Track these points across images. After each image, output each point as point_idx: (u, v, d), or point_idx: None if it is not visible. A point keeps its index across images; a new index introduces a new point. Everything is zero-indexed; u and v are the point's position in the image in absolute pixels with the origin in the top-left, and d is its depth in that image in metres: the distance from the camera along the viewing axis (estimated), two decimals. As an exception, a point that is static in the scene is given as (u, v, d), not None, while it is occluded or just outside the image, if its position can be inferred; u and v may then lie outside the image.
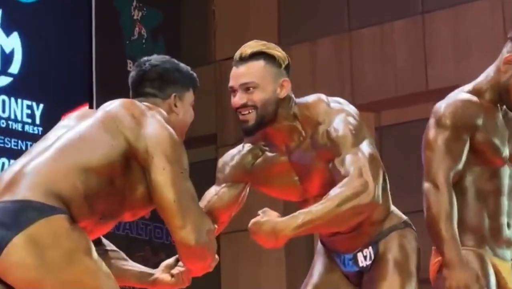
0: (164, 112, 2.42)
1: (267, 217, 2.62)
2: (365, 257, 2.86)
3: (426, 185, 3.07)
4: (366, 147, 2.79)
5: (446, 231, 3.03)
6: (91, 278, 2.13)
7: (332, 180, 2.80)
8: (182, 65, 2.61)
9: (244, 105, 2.75)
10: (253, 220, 2.62)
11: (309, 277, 3.03)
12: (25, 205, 2.07)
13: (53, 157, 2.21)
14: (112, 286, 2.19)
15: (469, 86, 3.18)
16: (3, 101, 6.84)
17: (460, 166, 3.04)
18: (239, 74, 2.80)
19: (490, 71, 3.15)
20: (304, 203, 2.90)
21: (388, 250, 2.87)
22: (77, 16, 7.33)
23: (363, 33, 7.69)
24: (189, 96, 2.57)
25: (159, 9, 7.84)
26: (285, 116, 2.82)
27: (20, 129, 6.96)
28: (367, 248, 2.85)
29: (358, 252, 2.87)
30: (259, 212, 2.65)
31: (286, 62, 2.82)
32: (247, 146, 3.02)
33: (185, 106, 2.53)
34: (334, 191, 2.63)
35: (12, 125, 6.92)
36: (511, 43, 3.07)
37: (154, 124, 2.33)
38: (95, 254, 2.18)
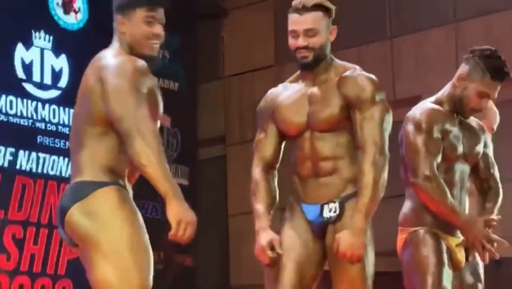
0: (116, 43, 2.33)
1: (342, 237, 2.58)
2: (330, 210, 2.75)
3: (417, 181, 3.09)
4: (382, 129, 2.70)
5: (452, 208, 3.08)
6: (129, 235, 2.16)
7: (338, 121, 2.78)
8: None
9: (306, 47, 2.74)
10: (340, 247, 2.58)
11: (282, 230, 2.82)
12: (81, 183, 2.22)
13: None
14: (146, 244, 2.19)
15: (432, 98, 3.22)
16: (54, 110, 6.93)
17: (439, 159, 3.06)
18: (303, 21, 2.78)
19: (447, 86, 3.18)
20: (298, 138, 2.81)
21: (351, 210, 2.75)
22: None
23: (345, 54, 7.71)
24: (139, 14, 2.35)
25: (178, 35, 7.87)
26: (326, 56, 2.82)
27: (67, 132, 6.79)
28: (334, 202, 2.74)
29: (324, 204, 2.74)
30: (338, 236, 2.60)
31: (334, 13, 2.82)
32: (290, 85, 2.96)
33: (133, 25, 2.33)
34: (365, 178, 2.61)
35: (61, 129, 6.96)
36: (465, 64, 3.14)
37: (107, 78, 2.19)
38: (135, 214, 2.22)
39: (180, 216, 2.16)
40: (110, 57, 2.30)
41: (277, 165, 2.91)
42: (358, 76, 2.74)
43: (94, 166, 2.28)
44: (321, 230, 2.73)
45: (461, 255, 3.17)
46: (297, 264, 2.73)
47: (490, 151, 3.33)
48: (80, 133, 2.29)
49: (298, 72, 2.90)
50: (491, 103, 3.62)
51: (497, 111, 3.97)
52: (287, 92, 2.90)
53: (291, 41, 2.77)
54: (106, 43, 2.56)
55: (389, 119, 2.72)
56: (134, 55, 2.34)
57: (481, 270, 3.28)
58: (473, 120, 3.30)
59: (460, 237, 3.16)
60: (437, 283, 3.04)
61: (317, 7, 2.72)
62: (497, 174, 3.30)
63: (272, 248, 2.71)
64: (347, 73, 2.77)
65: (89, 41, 6.96)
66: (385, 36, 7.75)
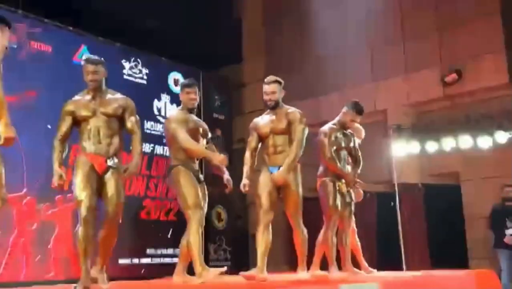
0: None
1: (275, 174, 4.21)
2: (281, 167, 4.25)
3: (326, 159, 4.86)
4: (302, 133, 4.33)
5: (341, 169, 4.87)
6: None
7: (285, 132, 4.38)
8: None
9: (271, 99, 4.40)
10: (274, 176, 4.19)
11: (261, 180, 4.35)
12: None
13: None
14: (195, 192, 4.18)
15: (333, 121, 5.08)
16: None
17: (333, 149, 4.88)
18: (269, 87, 4.42)
19: (340, 115, 5.06)
20: (268, 136, 4.42)
21: (294, 175, 4.34)
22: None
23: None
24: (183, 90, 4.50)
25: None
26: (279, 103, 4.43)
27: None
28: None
29: (280, 166, 4.28)
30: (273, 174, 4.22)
31: (283, 84, 4.49)
32: (265, 114, 4.54)
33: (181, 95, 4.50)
34: (291, 152, 4.25)
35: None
36: (347, 106, 5.01)
37: None
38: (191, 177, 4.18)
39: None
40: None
41: (257, 152, 4.54)
42: (295, 111, 4.43)
43: None
44: None
45: (344, 189, 4.94)
46: (269, 192, 4.28)
47: (356, 144, 5.17)
48: None
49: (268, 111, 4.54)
50: (358, 125, 5.36)
51: (362, 128, 5.57)
52: (264, 118, 4.53)
53: (266, 97, 4.46)
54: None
55: (305, 131, 4.37)
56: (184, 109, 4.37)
57: (352, 195, 5.06)
58: (348, 131, 5.12)
59: (343, 181, 4.93)
60: (333, 203, 4.78)
61: (275, 81, 4.46)
62: (360, 155, 5.15)
63: (245, 186, 4.32)
64: (289, 110, 4.45)
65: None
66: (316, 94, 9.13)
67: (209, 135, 4.68)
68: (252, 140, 4.50)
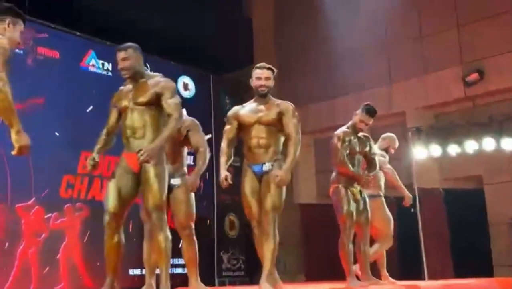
0: None
1: (278, 173, 3.86)
2: (266, 166, 4.01)
3: (338, 162, 4.83)
4: (297, 128, 4.03)
5: (353, 172, 4.81)
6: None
7: (274, 124, 4.06)
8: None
9: (265, 85, 4.09)
10: (276, 177, 3.83)
11: (246, 182, 4.08)
12: None
13: None
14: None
15: (347, 125, 5.05)
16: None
17: (347, 152, 4.85)
18: (263, 73, 4.14)
19: (353, 118, 5.02)
20: (254, 125, 4.08)
21: (277, 166, 3.97)
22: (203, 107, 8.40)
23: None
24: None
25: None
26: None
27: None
28: (268, 162, 4.01)
29: (263, 163, 4.02)
30: (274, 172, 3.86)
31: (276, 71, 4.21)
32: (247, 104, 4.22)
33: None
34: (290, 148, 3.97)
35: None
36: (360, 108, 5.00)
37: None
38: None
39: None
40: None
41: (235, 143, 4.22)
42: (287, 103, 4.12)
43: None
44: (259, 177, 4.01)
45: (358, 195, 4.89)
46: (251, 190, 4.02)
47: (372, 150, 5.07)
48: None
49: (255, 98, 4.17)
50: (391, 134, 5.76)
51: (395, 138, 5.80)
52: (247, 107, 4.17)
53: (258, 82, 4.10)
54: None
55: (299, 126, 4.06)
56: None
57: (367, 201, 4.97)
58: (363, 135, 5.03)
59: (357, 187, 4.89)
60: (347, 210, 4.77)
61: (269, 68, 4.18)
62: (376, 160, 5.10)
63: (226, 179, 3.95)
64: (279, 101, 4.13)
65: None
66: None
67: None
68: (231, 131, 4.18)
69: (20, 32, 3.09)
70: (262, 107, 4.12)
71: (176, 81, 8.46)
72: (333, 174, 4.99)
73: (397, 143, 5.84)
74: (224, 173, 4.01)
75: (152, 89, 3.65)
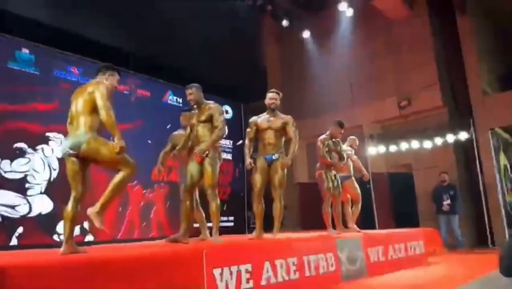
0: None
1: (284, 160, 3.76)
2: (275, 156, 3.88)
3: (321, 157, 4.68)
4: (296, 133, 3.92)
5: (331, 162, 4.64)
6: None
7: (280, 130, 3.89)
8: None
9: (274, 103, 3.94)
10: (283, 162, 3.71)
11: (258, 168, 3.87)
12: None
13: None
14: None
15: (326, 133, 4.87)
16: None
17: (326, 150, 4.69)
18: (274, 95, 3.98)
19: (329, 129, 4.88)
20: (266, 131, 3.92)
21: (281, 156, 3.89)
22: (237, 125, 7.96)
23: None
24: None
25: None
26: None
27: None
28: (276, 153, 3.90)
29: (273, 154, 3.89)
30: (282, 160, 3.72)
31: (281, 95, 4.00)
32: (262, 115, 4.00)
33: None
34: (292, 146, 3.80)
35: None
36: (333, 123, 4.85)
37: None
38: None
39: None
40: None
41: (254, 141, 3.99)
42: (289, 117, 3.96)
43: None
44: (269, 163, 3.85)
45: (333, 176, 4.73)
46: (261, 170, 3.84)
47: (341, 148, 4.94)
48: None
49: (267, 111, 3.97)
50: (354, 137, 5.58)
51: (356, 139, 5.67)
52: (262, 117, 4.00)
53: (269, 101, 3.93)
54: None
55: (297, 131, 3.92)
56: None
57: (339, 181, 4.83)
58: (336, 140, 4.91)
59: (333, 172, 4.73)
60: (326, 186, 4.65)
61: (276, 92, 4.03)
62: (345, 154, 4.88)
63: (250, 164, 3.80)
64: (283, 115, 3.95)
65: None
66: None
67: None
68: (251, 132, 3.95)
69: (117, 80, 3.05)
70: (272, 118, 3.96)
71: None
72: (318, 164, 4.89)
73: (357, 142, 5.73)
74: (248, 160, 3.85)
75: (207, 112, 3.60)
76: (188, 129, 3.77)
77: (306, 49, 9.52)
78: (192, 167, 3.56)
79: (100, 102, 2.74)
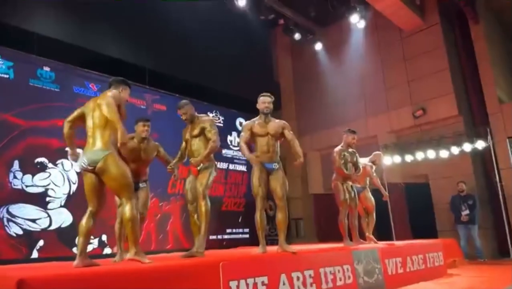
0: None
1: (299, 160, 3.51)
2: (275, 165, 3.68)
3: (336, 168, 4.65)
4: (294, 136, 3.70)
5: (348, 173, 4.61)
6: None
7: (279, 137, 3.70)
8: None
9: (268, 107, 3.73)
10: (298, 162, 3.45)
11: (258, 176, 3.60)
12: None
13: None
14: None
15: (341, 144, 4.83)
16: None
17: (342, 161, 4.65)
18: (267, 99, 3.77)
19: (343, 140, 4.86)
20: (264, 136, 3.69)
21: (280, 169, 3.69)
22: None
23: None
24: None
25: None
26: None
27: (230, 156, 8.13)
28: (275, 163, 3.69)
29: (273, 163, 3.68)
30: (297, 162, 3.45)
31: (273, 99, 3.77)
32: (256, 119, 3.77)
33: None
34: (295, 146, 3.59)
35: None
36: (345, 132, 4.80)
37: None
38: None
39: None
40: None
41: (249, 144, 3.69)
42: (284, 121, 3.77)
43: None
44: (269, 171, 3.65)
45: (349, 187, 4.73)
46: (262, 181, 3.59)
47: (358, 159, 4.84)
48: None
49: (259, 116, 3.73)
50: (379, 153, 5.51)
51: (381, 154, 5.68)
52: (256, 123, 3.75)
53: (263, 105, 3.72)
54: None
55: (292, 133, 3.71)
56: None
57: (356, 192, 4.77)
58: (351, 150, 4.83)
59: (349, 183, 4.74)
60: (343, 198, 4.63)
61: (270, 96, 3.80)
62: (360, 166, 4.78)
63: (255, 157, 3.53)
64: (277, 120, 3.74)
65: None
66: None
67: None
68: (246, 137, 3.68)
69: (128, 93, 3.12)
70: (267, 123, 3.75)
71: (235, 121, 8.61)
72: (334, 175, 4.83)
73: (381, 159, 5.57)
74: (251, 154, 3.59)
75: (199, 125, 3.61)
76: (183, 144, 3.77)
77: (319, 61, 9.50)
78: (191, 180, 3.58)
79: (105, 105, 2.81)
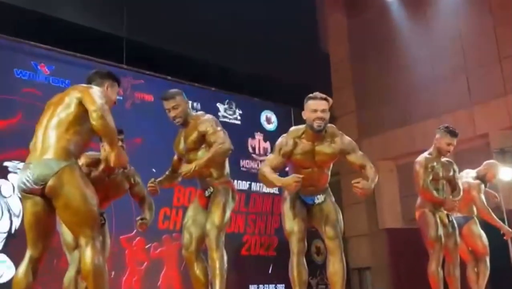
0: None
1: (362, 182, 3.37)
2: (318, 198, 3.73)
3: (421, 188, 4.65)
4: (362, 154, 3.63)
5: (437, 197, 4.61)
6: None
7: (330, 163, 3.67)
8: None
9: (322, 118, 3.47)
10: (361, 185, 3.32)
11: (293, 208, 3.69)
12: None
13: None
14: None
15: (429, 150, 4.82)
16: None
17: (430, 178, 4.64)
18: (321, 103, 3.51)
19: (434, 143, 4.79)
20: (309, 171, 3.59)
21: (328, 196, 3.74)
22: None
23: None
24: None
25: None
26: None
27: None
28: (320, 194, 3.73)
29: (316, 195, 3.72)
30: (356, 180, 3.33)
31: (331, 101, 3.62)
32: (300, 134, 3.61)
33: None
34: (369, 171, 3.49)
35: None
36: (438, 132, 4.73)
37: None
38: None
39: None
40: None
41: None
42: (346, 140, 3.61)
43: None
44: (310, 206, 3.71)
45: (445, 218, 4.71)
46: (302, 218, 3.65)
47: (456, 174, 4.82)
48: None
49: (304, 132, 3.58)
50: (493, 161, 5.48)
51: (496, 165, 5.48)
52: (299, 143, 3.56)
53: (312, 114, 3.49)
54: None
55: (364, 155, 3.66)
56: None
57: (455, 225, 4.77)
58: (446, 160, 4.78)
59: (444, 212, 4.70)
60: (435, 234, 4.58)
61: (326, 98, 3.58)
62: (460, 184, 4.82)
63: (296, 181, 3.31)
64: (336, 138, 3.58)
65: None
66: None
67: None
68: (277, 161, 3.63)
69: (117, 93, 3.25)
70: (318, 145, 3.61)
71: (259, 116, 8.73)
72: (418, 200, 4.80)
73: (496, 172, 5.45)
74: (281, 180, 3.49)
75: (195, 130, 3.68)
76: (175, 158, 3.86)
77: (391, 19, 9.54)
78: (193, 213, 3.71)
79: (90, 102, 2.80)
